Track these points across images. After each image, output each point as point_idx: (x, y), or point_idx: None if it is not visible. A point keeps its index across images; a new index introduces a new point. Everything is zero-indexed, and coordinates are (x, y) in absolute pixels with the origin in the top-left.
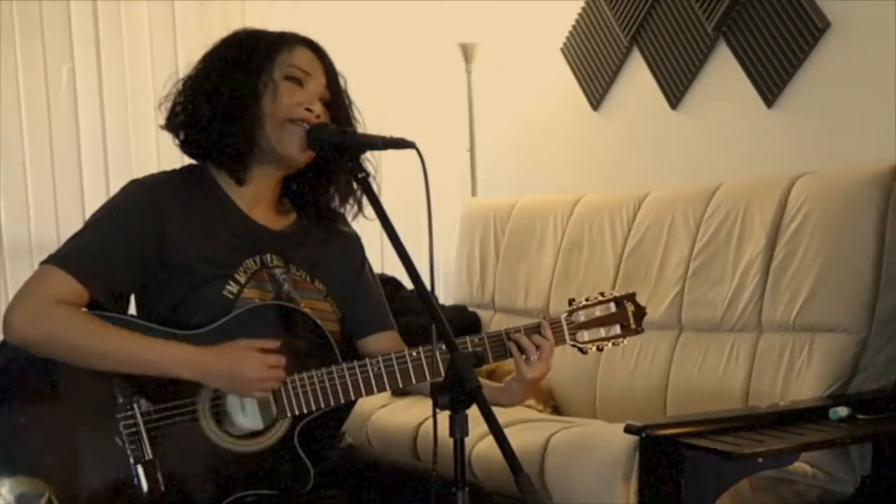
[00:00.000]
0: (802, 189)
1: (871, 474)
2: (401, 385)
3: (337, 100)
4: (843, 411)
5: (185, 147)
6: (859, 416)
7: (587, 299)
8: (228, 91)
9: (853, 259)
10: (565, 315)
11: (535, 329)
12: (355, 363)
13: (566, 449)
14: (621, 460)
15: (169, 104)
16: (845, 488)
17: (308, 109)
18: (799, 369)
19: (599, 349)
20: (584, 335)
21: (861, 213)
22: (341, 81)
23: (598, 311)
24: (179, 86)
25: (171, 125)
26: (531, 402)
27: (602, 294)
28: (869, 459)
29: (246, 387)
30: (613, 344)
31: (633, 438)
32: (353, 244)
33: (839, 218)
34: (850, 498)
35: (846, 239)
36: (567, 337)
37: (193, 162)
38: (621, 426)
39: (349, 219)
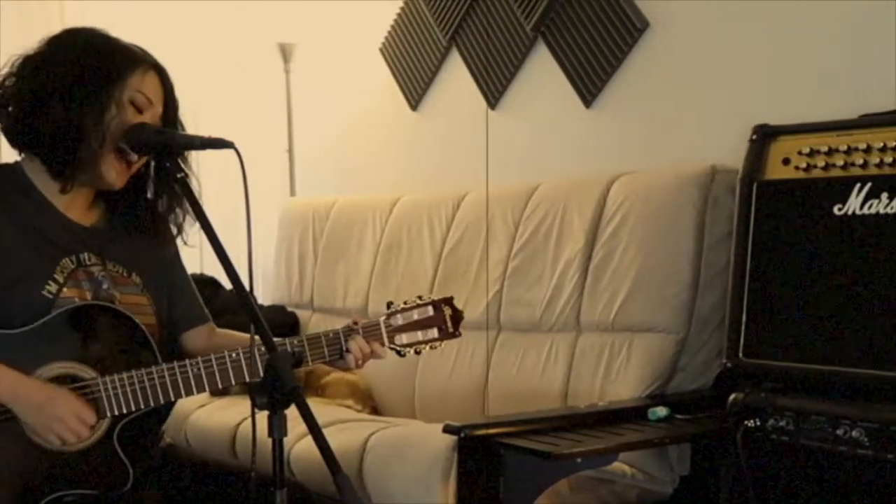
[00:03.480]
0: (621, 189)
1: (689, 474)
2: (220, 385)
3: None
4: (661, 411)
5: (9, 135)
6: (678, 417)
7: (405, 303)
8: (77, 102)
9: (672, 259)
10: (384, 318)
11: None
12: (175, 364)
13: (385, 449)
14: (440, 460)
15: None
16: (664, 488)
17: None
18: (618, 369)
19: (417, 352)
20: (403, 338)
21: (679, 214)
22: (177, 107)
23: (415, 315)
24: (17, 66)
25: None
26: (350, 402)
27: (420, 297)
28: (687, 459)
29: (50, 423)
30: (431, 347)
31: (451, 438)
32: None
33: (658, 218)
34: (669, 498)
35: (665, 239)
36: (385, 340)
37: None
38: (440, 426)
39: (174, 233)
